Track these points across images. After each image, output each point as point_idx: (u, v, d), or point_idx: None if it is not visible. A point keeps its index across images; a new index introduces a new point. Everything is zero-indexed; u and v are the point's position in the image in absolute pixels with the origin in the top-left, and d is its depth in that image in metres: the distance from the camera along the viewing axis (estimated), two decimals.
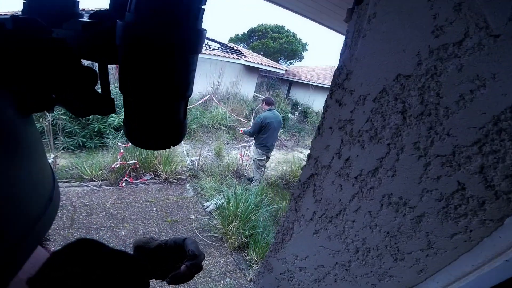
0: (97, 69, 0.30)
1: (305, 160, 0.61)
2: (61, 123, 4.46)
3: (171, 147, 0.34)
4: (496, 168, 0.33)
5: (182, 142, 4.34)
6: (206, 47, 11.21)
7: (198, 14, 0.27)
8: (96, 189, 3.41)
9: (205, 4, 0.27)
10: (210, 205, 3.32)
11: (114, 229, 2.75)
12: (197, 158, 4.51)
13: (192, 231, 2.87)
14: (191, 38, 0.27)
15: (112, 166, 3.58)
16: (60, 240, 2.45)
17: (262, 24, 26.57)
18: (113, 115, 4.93)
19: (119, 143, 3.90)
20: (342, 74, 0.50)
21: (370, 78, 0.45)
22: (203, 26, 0.29)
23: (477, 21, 0.33)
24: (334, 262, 0.58)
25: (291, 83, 18.35)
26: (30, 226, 0.26)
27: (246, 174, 4.69)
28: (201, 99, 7.40)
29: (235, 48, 12.83)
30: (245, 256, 2.61)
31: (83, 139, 4.69)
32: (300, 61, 28.16)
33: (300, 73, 17.87)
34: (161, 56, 0.26)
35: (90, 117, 4.75)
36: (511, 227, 0.34)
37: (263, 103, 4.19)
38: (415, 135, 0.40)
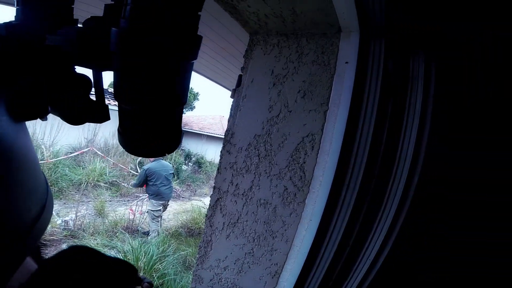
0: (91, 76, 0.31)
1: (205, 205, 0.87)
2: None
3: (167, 154, 0.35)
4: (295, 176, 0.72)
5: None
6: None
7: (193, 20, 0.27)
8: None
9: (200, 11, 0.28)
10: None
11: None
12: (72, 217, 3.68)
13: None
14: (186, 45, 0.27)
15: None
16: None
17: None
18: None
19: None
20: (229, 134, 0.83)
21: (243, 136, 0.80)
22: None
23: (284, 102, 0.72)
24: (244, 253, 0.83)
25: (183, 134, 18.44)
26: (23, 234, 0.26)
27: (140, 228, 4.14)
28: (71, 152, 6.24)
29: None
30: None
31: None
32: (191, 110, 29.11)
33: (191, 123, 18.37)
34: (155, 62, 0.26)
35: None
36: (308, 204, 0.70)
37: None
38: (265, 166, 0.76)
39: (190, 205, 6.36)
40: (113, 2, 0.28)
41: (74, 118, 0.31)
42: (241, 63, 0.84)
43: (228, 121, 0.83)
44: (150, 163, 4.02)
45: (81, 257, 0.34)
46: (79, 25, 0.28)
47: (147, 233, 3.93)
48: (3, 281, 0.23)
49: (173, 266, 2.73)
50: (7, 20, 0.27)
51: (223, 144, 0.84)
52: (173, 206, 6.13)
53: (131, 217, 4.26)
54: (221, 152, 0.86)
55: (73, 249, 0.35)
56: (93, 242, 3.12)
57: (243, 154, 0.79)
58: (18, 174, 0.25)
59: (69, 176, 5.82)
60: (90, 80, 0.30)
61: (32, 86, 0.26)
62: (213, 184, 0.87)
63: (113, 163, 7.24)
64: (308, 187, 0.69)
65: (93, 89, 0.32)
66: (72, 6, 0.31)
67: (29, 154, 0.28)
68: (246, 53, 0.81)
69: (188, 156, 12.30)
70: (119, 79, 0.27)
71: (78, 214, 3.81)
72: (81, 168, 6.45)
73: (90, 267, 0.34)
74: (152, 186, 3.87)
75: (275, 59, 0.74)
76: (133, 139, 0.32)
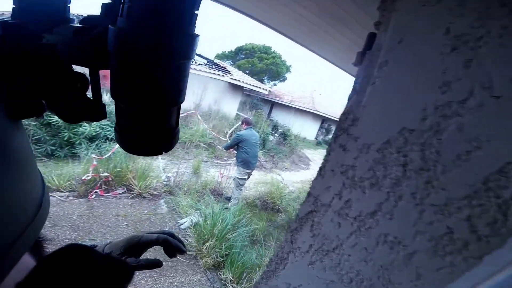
0: (88, 75, 0.31)
1: (283, 180, 0.71)
2: (31, 129, 4.31)
3: (163, 153, 0.35)
4: (480, 217, 0.38)
5: (159, 157, 4.28)
6: (193, 62, 11.34)
7: (191, 19, 0.27)
8: (63, 200, 3.29)
9: (198, 9, 0.28)
10: (185, 222, 3.30)
11: (80, 242, 2.59)
12: (174, 174, 4.51)
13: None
14: (184, 44, 0.27)
15: (83, 177, 3.49)
16: None
17: (250, 43, 27.50)
18: (85, 124, 4.81)
19: (93, 155, 3.82)
20: (348, 119, 0.52)
21: (376, 127, 0.47)
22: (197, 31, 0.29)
23: (482, 80, 0.35)
24: None
25: (273, 104, 18.97)
26: (19, 232, 0.26)
27: (224, 192, 4.74)
28: (182, 113, 7.43)
29: (221, 65, 13.10)
30: (220, 275, 2.62)
31: (52, 147, 4.54)
32: (283, 82, 29.34)
33: (282, 95, 18.57)
34: (154, 61, 0.26)
35: (60, 125, 4.64)
36: (488, 263, 0.40)
37: (242, 123, 4.55)
38: (413, 187, 0.44)
39: (270, 177, 6.74)
40: (110, 1, 0.28)
41: (70, 116, 0.32)
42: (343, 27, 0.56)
43: (349, 99, 0.53)
44: (243, 131, 4.31)
45: (77, 256, 0.35)
46: (76, 24, 0.28)
47: (228, 199, 4.43)
48: None
49: (242, 238, 2.97)
50: (3, 19, 0.27)
51: (336, 134, 0.55)
52: (255, 175, 6.64)
53: (219, 180, 4.87)
54: (329, 145, 0.57)
55: (70, 248, 0.35)
56: (183, 202, 3.76)
57: (372, 156, 0.49)
58: (14, 173, 0.26)
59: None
60: (87, 78, 0.30)
61: (28, 85, 0.27)
62: (309, 189, 0.64)
63: (212, 126, 8.31)
64: (502, 240, 0.38)
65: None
66: (69, 5, 0.31)
67: (24, 152, 0.29)
68: (383, 3, 0.52)
69: (275, 127, 12.67)
70: (116, 78, 0.27)
71: (179, 171, 4.66)
72: (189, 128, 7.71)
73: (85, 266, 0.34)
74: (243, 153, 4.08)
75: (449, 12, 0.41)
76: (129, 138, 0.32)
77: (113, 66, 0.27)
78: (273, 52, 27.62)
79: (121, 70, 0.27)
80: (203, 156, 6.51)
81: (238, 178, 4.18)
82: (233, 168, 5.71)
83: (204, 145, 7.36)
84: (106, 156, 3.90)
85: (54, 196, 3.26)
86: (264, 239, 3.44)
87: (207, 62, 12.53)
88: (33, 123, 4.41)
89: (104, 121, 5.13)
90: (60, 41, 0.27)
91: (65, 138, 4.64)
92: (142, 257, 0.57)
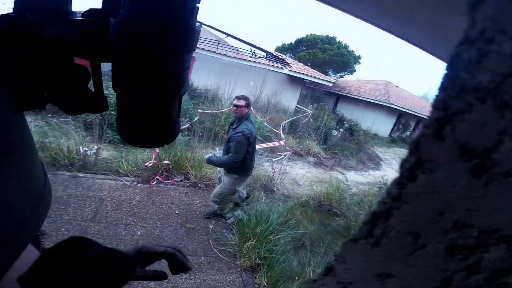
0: (89, 67, 0.31)
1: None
2: (109, 116, 5.00)
3: (165, 145, 0.36)
4: None
5: (217, 148, 4.41)
6: (252, 55, 11.65)
7: (192, 12, 0.28)
8: (128, 184, 3.67)
9: (199, 3, 0.29)
10: (231, 217, 3.31)
11: (132, 228, 2.85)
12: None
13: (207, 242, 2.90)
14: (184, 36, 0.28)
15: (146, 164, 3.87)
16: (78, 232, 2.63)
17: (311, 35, 26.58)
18: None
19: None
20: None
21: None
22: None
23: None
24: None
25: (339, 97, 17.90)
26: (21, 224, 0.27)
27: (275, 189, 4.64)
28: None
29: (280, 57, 13.05)
30: (255, 278, 2.53)
31: None
32: (351, 74, 27.37)
33: (349, 87, 17.33)
34: (154, 54, 0.27)
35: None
36: None
37: (241, 107, 2.66)
38: None
39: (329, 176, 6.34)
40: None
41: (72, 109, 0.32)
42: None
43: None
44: (248, 122, 2.71)
45: (80, 248, 0.36)
46: (78, 17, 0.29)
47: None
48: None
49: (284, 242, 2.79)
50: (5, 12, 0.28)
51: (422, 135, 0.23)
52: (312, 172, 6.35)
53: (271, 175, 4.80)
54: (413, 146, 0.24)
55: (73, 240, 0.36)
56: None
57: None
58: (16, 164, 0.26)
59: None
60: (89, 71, 0.31)
61: (31, 77, 0.27)
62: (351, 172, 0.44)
63: (269, 118, 8.29)
64: None
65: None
66: None
67: (27, 145, 0.29)
68: None
69: (340, 122, 11.87)
70: (117, 70, 0.28)
71: None
72: None
73: (88, 258, 0.35)
74: (246, 159, 2.76)
75: None
76: (130, 130, 0.33)
77: (114, 58, 0.28)
78: (338, 42, 26.08)
79: (122, 63, 0.28)
80: (258, 150, 6.53)
81: (234, 189, 2.98)
82: (289, 162, 5.61)
83: (261, 138, 7.39)
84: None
85: (121, 181, 3.70)
86: (312, 244, 3.20)
87: (266, 55, 12.64)
88: (113, 112, 5.11)
89: None
90: (62, 34, 0.28)
91: None
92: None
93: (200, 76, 9.84)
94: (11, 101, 0.27)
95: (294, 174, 5.76)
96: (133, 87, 0.29)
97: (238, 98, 2.72)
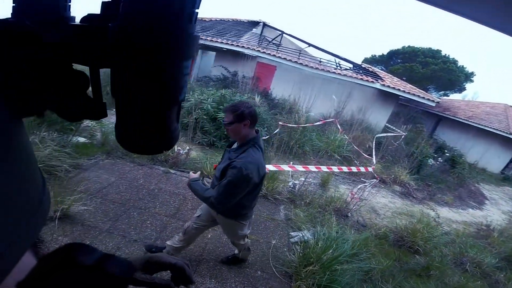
0: (88, 74, 0.31)
1: (439, 218, 0.47)
2: (201, 121, 5.66)
3: (164, 152, 0.35)
4: None
5: (290, 162, 4.39)
6: (336, 66, 11.17)
7: (190, 18, 0.28)
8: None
9: (198, 8, 0.28)
10: (296, 236, 3.20)
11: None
12: (301, 182, 4.55)
13: (266, 256, 2.86)
14: (183, 43, 0.28)
15: None
16: (159, 226, 2.86)
17: (408, 46, 23.70)
18: None
19: None
20: None
21: None
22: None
23: None
24: None
25: (440, 119, 15.38)
26: (19, 231, 0.27)
27: (349, 215, 4.30)
28: (320, 119, 7.42)
29: (370, 69, 12.11)
30: None
31: (214, 139, 5.75)
32: (459, 92, 23.15)
33: (455, 109, 14.68)
34: (153, 60, 0.27)
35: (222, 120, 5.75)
36: None
37: (240, 118, 1.66)
38: None
39: (417, 209, 5.49)
40: (110, 0, 0.28)
41: (71, 115, 0.32)
42: None
43: None
44: (254, 152, 1.69)
45: (77, 254, 0.35)
46: (77, 22, 0.29)
47: (363, 226, 3.95)
48: None
49: (350, 275, 2.50)
50: (3, 18, 0.28)
51: None
52: (397, 203, 5.62)
53: (348, 200, 4.48)
54: None
55: (70, 247, 0.35)
56: (302, 214, 3.62)
57: None
58: (14, 172, 0.26)
59: (313, 141, 7.12)
60: (88, 77, 0.31)
61: (29, 84, 0.28)
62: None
63: (352, 137, 7.78)
64: None
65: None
66: (69, 3, 0.32)
67: (25, 150, 0.29)
68: None
69: (440, 149, 10.14)
70: (116, 76, 0.28)
71: (306, 180, 4.66)
72: (325, 137, 7.60)
73: (86, 265, 0.34)
74: (244, 200, 1.81)
75: None
76: (129, 137, 0.33)
77: (113, 64, 0.28)
78: (444, 56, 22.39)
79: (121, 69, 0.28)
80: (337, 172, 6.21)
81: (240, 233, 2.12)
82: (372, 189, 5.11)
83: (339, 157, 7.01)
84: None
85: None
86: (381, 281, 2.81)
87: (353, 67, 11.91)
88: (204, 116, 5.74)
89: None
90: (60, 40, 0.28)
91: (225, 132, 5.72)
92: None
93: (279, 86, 9.95)
94: (11, 107, 0.27)
95: (374, 202, 5.23)
96: (131, 93, 0.29)
97: (225, 110, 1.74)
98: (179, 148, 4.46)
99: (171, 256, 0.55)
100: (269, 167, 3.70)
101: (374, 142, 6.59)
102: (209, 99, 6.07)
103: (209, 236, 2.96)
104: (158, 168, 4.13)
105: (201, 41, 10.15)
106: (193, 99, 6.20)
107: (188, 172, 3.24)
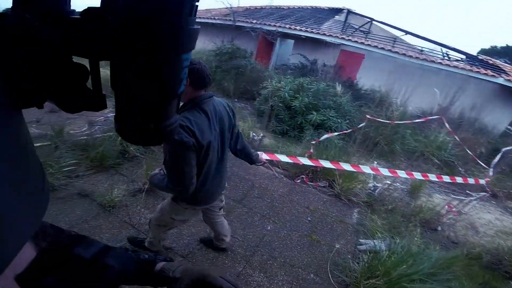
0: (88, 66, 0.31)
1: None
2: (277, 109, 5.59)
3: (161, 144, 0.34)
4: None
5: (374, 161, 3.87)
6: (443, 56, 9.38)
7: (190, 10, 0.28)
8: (276, 176, 3.94)
9: (198, 1, 0.29)
10: (366, 244, 2.81)
11: (265, 220, 2.96)
12: (384, 186, 3.96)
13: (324, 260, 2.60)
14: (183, 35, 0.29)
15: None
16: (225, 211, 3.01)
17: None
18: (313, 112, 5.50)
19: (312, 142, 4.22)
20: None
21: None
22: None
23: None
24: None
25: None
26: (18, 222, 0.27)
27: (439, 228, 3.52)
28: (419, 116, 6.31)
29: (490, 62, 9.73)
30: None
31: (287, 128, 5.66)
32: None
33: None
34: (151, 55, 0.27)
35: (297, 110, 5.55)
36: None
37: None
38: None
39: None
40: None
41: (71, 107, 0.32)
42: None
43: None
44: (191, 114, 1.42)
45: (76, 247, 0.35)
46: (77, 16, 0.29)
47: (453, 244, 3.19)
48: None
49: None
50: (2, 10, 0.29)
51: None
52: (506, 221, 4.29)
53: (443, 212, 3.68)
54: None
55: (73, 238, 0.36)
56: (379, 222, 3.14)
57: None
58: (14, 163, 0.27)
59: (406, 139, 6.12)
60: (87, 69, 0.31)
61: (30, 76, 0.28)
62: None
63: (460, 138, 6.32)
64: None
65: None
66: None
67: (24, 142, 0.30)
68: None
69: None
70: (115, 69, 0.30)
71: (392, 184, 4.02)
72: (422, 136, 6.44)
73: (89, 256, 0.35)
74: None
75: None
76: (128, 128, 0.33)
77: (112, 57, 0.28)
78: None
79: (120, 61, 0.29)
80: (435, 180, 5.18)
81: (173, 221, 1.81)
82: (478, 204, 4.06)
83: (438, 162, 5.81)
84: (314, 142, 4.16)
85: (272, 171, 4.02)
86: None
87: (466, 58, 9.81)
88: (280, 104, 5.65)
89: (332, 112, 5.52)
90: (60, 33, 0.28)
91: (298, 122, 5.57)
92: None
93: (367, 76, 9.15)
94: (10, 99, 0.27)
95: (475, 217, 4.16)
96: (131, 86, 0.30)
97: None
98: (253, 134, 4.51)
99: (224, 278, 0.50)
100: (345, 167, 3.33)
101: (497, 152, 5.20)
102: (286, 87, 5.96)
103: (269, 228, 2.90)
104: None
105: (279, 29, 10.22)
106: (270, 86, 6.18)
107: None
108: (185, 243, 2.46)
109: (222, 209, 2.07)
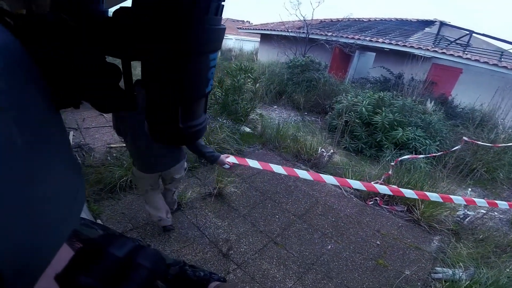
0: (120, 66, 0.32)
1: None
2: (352, 125, 5.39)
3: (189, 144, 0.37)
4: None
5: (468, 189, 3.31)
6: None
7: (217, 10, 0.29)
8: (345, 195, 3.77)
9: (224, 1, 0.29)
10: (441, 272, 2.46)
11: (326, 239, 2.86)
12: (478, 214, 3.41)
13: (389, 286, 2.37)
14: (210, 35, 0.29)
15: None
16: (284, 224, 3.00)
17: None
18: (399, 129, 5.07)
19: (391, 163, 3.92)
20: None
21: None
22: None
23: None
24: None
25: None
26: (55, 224, 0.28)
27: None
28: None
29: None
30: None
31: (363, 145, 5.36)
32: None
33: None
34: (178, 53, 0.28)
35: (378, 126, 5.18)
36: None
37: None
38: None
39: None
40: None
41: (104, 106, 0.33)
42: None
43: None
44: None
45: (109, 246, 0.35)
46: (109, 16, 0.30)
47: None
48: (36, 274, 0.25)
49: None
50: (41, 13, 0.29)
51: None
52: None
53: None
54: None
55: (105, 238, 0.36)
56: (464, 252, 2.68)
57: None
58: (52, 165, 0.27)
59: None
60: (120, 69, 0.32)
61: (68, 77, 0.29)
62: None
63: None
64: None
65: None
66: None
67: (63, 143, 0.31)
68: None
69: None
70: (146, 69, 0.31)
71: (488, 213, 3.41)
72: None
73: (118, 256, 0.34)
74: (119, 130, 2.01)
75: None
76: (156, 127, 0.35)
77: (144, 57, 0.30)
78: None
79: (151, 62, 0.30)
80: None
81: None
82: None
83: None
84: (393, 163, 3.86)
85: (340, 189, 3.86)
86: None
87: None
88: (357, 120, 5.42)
89: (419, 131, 5.02)
90: (95, 33, 0.29)
91: (377, 140, 5.22)
92: None
93: (465, 92, 8.02)
94: (54, 99, 0.29)
95: None
96: (159, 87, 0.31)
97: None
98: (322, 150, 4.50)
99: None
100: (432, 197, 2.99)
101: None
102: (364, 102, 5.69)
103: (329, 247, 2.81)
104: (299, 166, 4.36)
105: (358, 41, 9.80)
106: (345, 101, 6.02)
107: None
108: (242, 251, 2.58)
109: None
